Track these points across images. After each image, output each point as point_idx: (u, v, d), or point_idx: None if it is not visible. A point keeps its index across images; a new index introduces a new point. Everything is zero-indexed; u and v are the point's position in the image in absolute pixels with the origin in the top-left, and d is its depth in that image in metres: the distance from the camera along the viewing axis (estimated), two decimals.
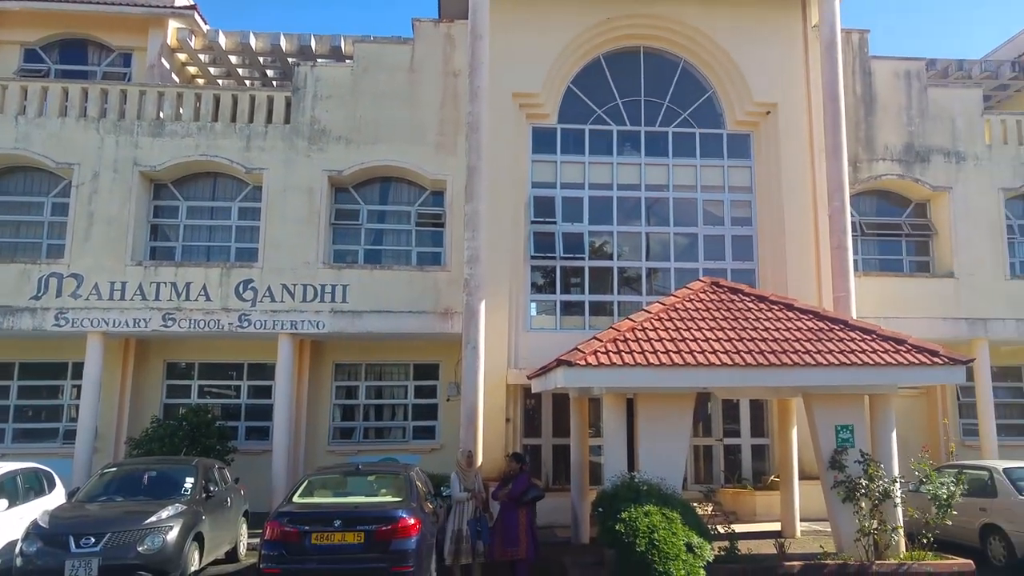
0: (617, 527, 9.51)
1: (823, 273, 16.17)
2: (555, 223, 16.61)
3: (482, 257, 14.66)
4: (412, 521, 8.49)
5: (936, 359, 10.71)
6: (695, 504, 11.02)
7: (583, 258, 16.69)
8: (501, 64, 16.03)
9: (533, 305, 16.58)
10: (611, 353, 10.44)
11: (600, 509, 10.17)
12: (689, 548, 9.48)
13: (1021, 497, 10.77)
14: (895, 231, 18.10)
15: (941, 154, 17.68)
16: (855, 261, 16.31)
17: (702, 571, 9.48)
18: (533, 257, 16.47)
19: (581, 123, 17.11)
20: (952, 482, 10.47)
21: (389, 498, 9.22)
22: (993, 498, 11.10)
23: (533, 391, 14.10)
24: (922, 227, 18.11)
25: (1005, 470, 11.29)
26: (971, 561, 10.40)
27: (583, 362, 10.20)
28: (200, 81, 20.87)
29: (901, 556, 10.50)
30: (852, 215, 16.55)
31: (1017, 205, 18.29)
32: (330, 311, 15.67)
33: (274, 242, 15.91)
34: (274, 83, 21.54)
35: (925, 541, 10.36)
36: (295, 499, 9.29)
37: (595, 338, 10.97)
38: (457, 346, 15.13)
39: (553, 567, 10.85)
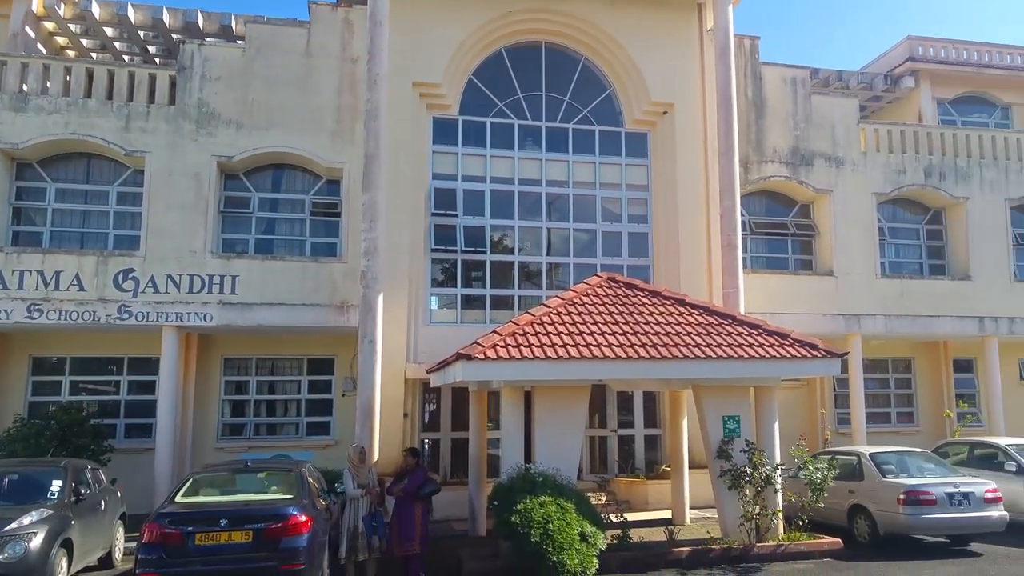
0: (513, 519, 9.67)
1: (714, 270, 16.84)
2: (456, 216, 16.63)
3: (380, 249, 14.45)
4: (303, 518, 8.35)
5: (815, 352, 11.40)
6: (590, 494, 11.34)
7: (484, 252, 16.78)
8: (401, 52, 15.89)
9: (434, 299, 16.61)
10: (510, 347, 10.57)
11: (496, 502, 10.31)
12: (583, 537, 9.76)
13: (884, 479, 11.63)
14: (781, 231, 19.09)
15: (823, 158, 18.74)
16: (744, 259, 17.09)
17: (595, 560, 9.78)
18: (434, 250, 16.45)
19: (483, 116, 17.17)
20: (825, 467, 11.20)
21: (280, 495, 9.02)
22: (860, 481, 11.93)
23: (432, 385, 14.14)
24: (806, 227, 19.16)
25: (871, 455, 12.16)
26: (839, 540, 11.19)
27: (482, 356, 10.29)
28: (71, 54, 19.65)
29: (779, 538, 11.17)
30: (742, 214, 17.33)
31: (887, 209, 19.66)
32: (219, 303, 15.07)
33: (158, 229, 15.12)
34: (157, 61, 20.55)
35: (801, 523, 11.04)
36: (178, 499, 8.92)
37: (494, 332, 11.09)
38: (353, 340, 14.93)
39: (449, 560, 10.90)
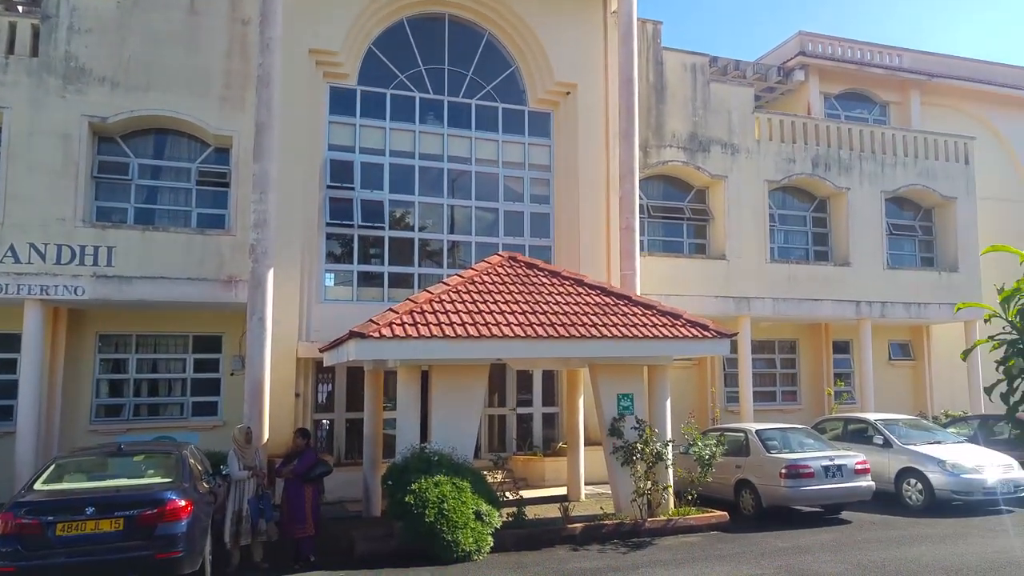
0: (406, 499, 9.60)
1: (612, 252, 17.06)
2: (353, 189, 16.17)
3: (271, 222, 13.83)
4: (182, 503, 7.92)
5: (706, 333, 11.76)
6: (487, 472, 11.35)
7: (383, 228, 16.40)
8: (297, 17, 15.23)
9: (329, 276, 16.14)
10: (407, 325, 10.39)
11: (390, 482, 10.20)
12: (478, 516, 9.79)
13: (769, 455, 12.18)
14: (678, 215, 19.55)
15: (719, 145, 19.29)
16: (641, 242, 17.43)
17: (490, 538, 9.82)
18: (329, 224, 15.94)
19: (383, 87, 16.73)
20: (714, 444, 11.61)
21: (157, 479, 8.50)
22: (747, 456, 12.46)
23: (326, 364, 13.76)
24: (701, 212, 19.70)
25: (757, 431, 12.72)
26: (726, 513, 11.66)
27: (376, 334, 10.07)
28: None
29: (670, 512, 11.52)
30: (641, 198, 17.63)
31: (778, 196, 20.47)
32: (92, 276, 14.01)
33: (18, 194, 13.77)
34: (20, 8, 18.91)
35: (690, 497, 11.41)
36: (37, 486, 8.22)
37: (391, 310, 10.88)
38: (242, 317, 14.30)
39: (342, 542, 10.69)
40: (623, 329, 11.36)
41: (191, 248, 14.61)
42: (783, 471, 11.60)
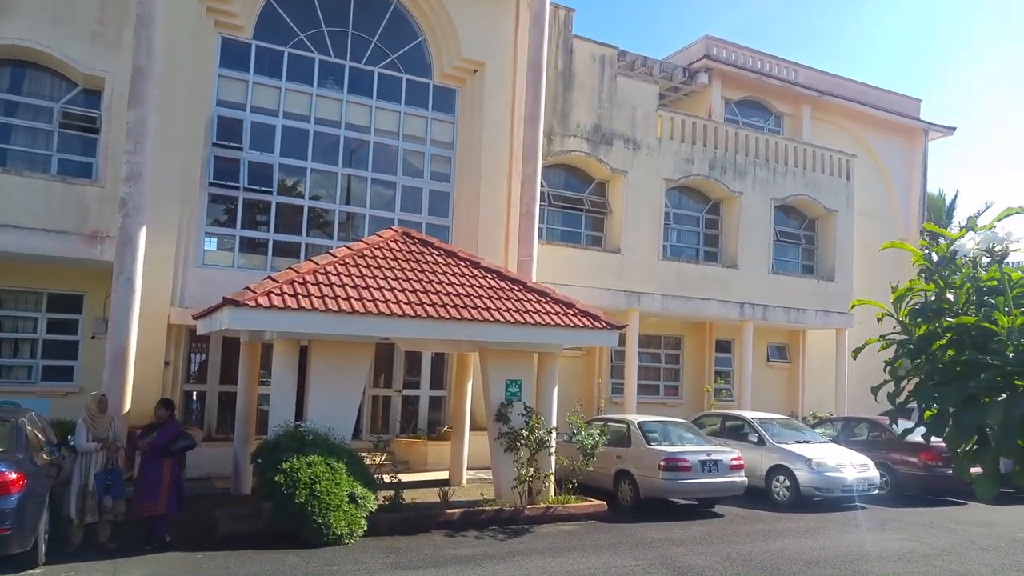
0: (277, 477, 9.14)
1: (511, 236, 16.92)
2: (241, 150, 15.30)
3: (146, 176, 12.69)
4: (13, 475, 7.09)
5: (597, 323, 11.73)
6: (366, 454, 10.94)
7: (271, 192, 15.61)
8: None
9: (211, 240, 15.22)
10: (287, 295, 9.81)
11: (260, 459, 9.69)
12: (352, 499, 9.41)
13: (649, 447, 12.33)
14: (577, 205, 19.58)
15: (622, 139, 19.41)
16: (540, 229, 17.31)
17: (363, 521, 9.44)
18: (212, 184, 15.05)
19: (280, 44, 15.84)
20: (597, 433, 11.61)
21: None
22: (628, 447, 12.57)
23: (198, 332, 13.07)
24: (600, 205, 19.80)
25: (639, 423, 12.86)
26: (604, 502, 11.69)
27: (252, 303, 9.44)
28: None
29: (550, 500, 11.45)
30: (542, 185, 17.49)
31: (674, 195, 20.85)
32: None
33: None
34: None
35: (571, 486, 11.36)
36: None
37: (270, 278, 10.26)
38: (108, 276, 13.16)
39: (204, 521, 10.07)
40: (516, 315, 11.16)
41: (49, 196, 13.34)
42: (662, 463, 11.74)
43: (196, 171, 14.68)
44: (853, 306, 4.13)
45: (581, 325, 11.56)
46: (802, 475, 12.93)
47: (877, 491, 13.35)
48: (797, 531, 10.93)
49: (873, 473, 13.35)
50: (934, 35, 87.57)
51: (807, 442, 13.97)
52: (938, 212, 33.48)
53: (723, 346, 22.44)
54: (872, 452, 14.04)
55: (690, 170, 20.36)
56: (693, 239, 21.40)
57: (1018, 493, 15.39)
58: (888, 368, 4.25)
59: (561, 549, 9.35)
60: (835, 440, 14.91)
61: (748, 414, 15.06)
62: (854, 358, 4.41)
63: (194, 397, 15.25)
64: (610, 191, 19.78)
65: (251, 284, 10.08)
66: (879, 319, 4.46)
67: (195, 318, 12.80)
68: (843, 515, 12.41)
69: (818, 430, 15.92)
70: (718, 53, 24.28)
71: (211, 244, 15.31)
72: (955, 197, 35.34)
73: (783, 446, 13.59)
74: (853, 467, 13.13)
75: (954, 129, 27.69)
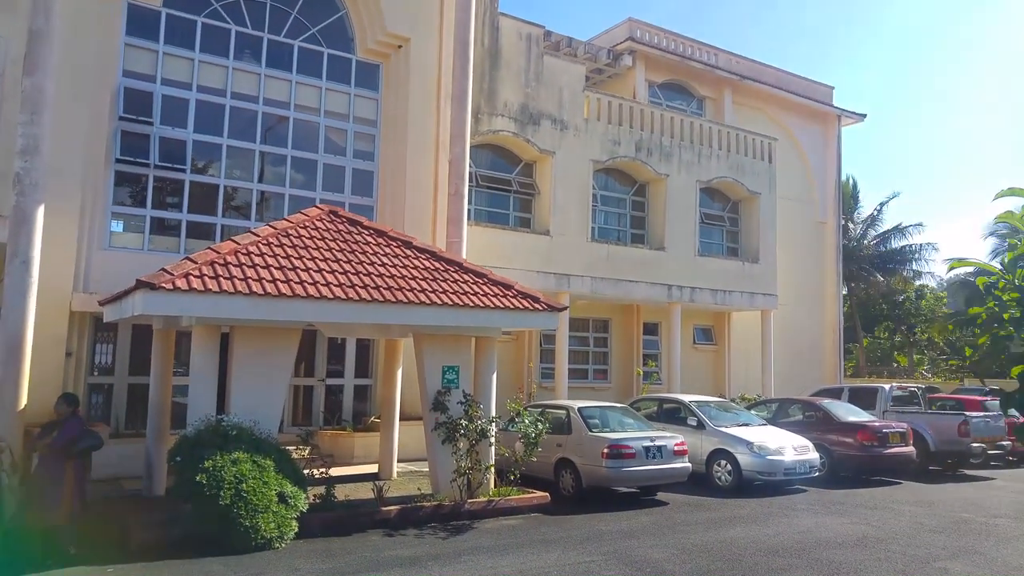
0: (198, 477, 8.32)
1: (439, 218, 16.31)
2: (151, 124, 14.13)
3: (44, 149, 11.55)
4: None
5: (537, 305, 11.22)
6: (291, 448, 10.12)
7: (184, 170, 14.50)
8: None
9: (119, 222, 14.15)
10: (206, 277, 8.89)
11: (179, 458, 8.78)
12: (282, 498, 8.70)
13: (591, 433, 11.91)
14: (505, 186, 19.11)
15: (550, 120, 18.94)
16: (468, 211, 16.67)
17: (294, 523, 8.72)
18: (119, 161, 13.87)
19: (194, 14, 14.64)
20: (540, 420, 11.10)
21: None
22: (568, 435, 12.11)
23: (105, 320, 12.03)
24: (528, 186, 19.36)
25: (579, 409, 12.41)
26: (547, 493, 11.22)
27: (169, 286, 8.50)
28: None
29: (491, 493, 10.91)
30: (469, 166, 16.83)
31: (601, 177, 20.57)
32: None
33: None
34: None
35: (512, 477, 10.83)
36: None
37: (187, 259, 9.28)
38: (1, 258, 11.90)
39: (114, 528, 9.09)
40: (454, 297, 10.53)
41: None
42: (605, 451, 11.34)
43: (101, 146, 13.55)
44: (951, 268, 3.71)
45: (521, 307, 11.02)
46: (744, 459, 12.78)
47: (817, 473, 13.30)
48: (746, 518, 10.72)
49: (813, 455, 13.31)
50: (851, 23, 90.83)
51: (746, 425, 13.84)
52: (846, 198, 34.63)
53: (650, 329, 22.37)
54: (807, 434, 14.00)
55: (617, 152, 20.09)
56: (621, 221, 21.22)
57: (944, 471, 15.86)
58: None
59: (508, 546, 8.82)
60: (771, 422, 14.86)
61: (686, 397, 14.87)
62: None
63: (93, 390, 14.07)
64: (538, 172, 19.36)
65: (167, 266, 9.08)
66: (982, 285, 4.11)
67: (101, 304, 11.80)
68: (787, 499, 12.31)
69: (752, 412, 15.88)
70: (641, 35, 24.08)
71: (118, 225, 14.20)
72: (855, 184, 36.77)
73: (723, 429, 13.42)
74: (794, 449, 13.04)
75: (864, 116, 28.43)
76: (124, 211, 14.17)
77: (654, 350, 22.30)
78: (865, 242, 36.75)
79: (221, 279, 8.94)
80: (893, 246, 36.18)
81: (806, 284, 25.72)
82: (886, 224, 36.83)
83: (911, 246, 36.07)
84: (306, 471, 9.74)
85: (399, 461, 13.58)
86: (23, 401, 11.09)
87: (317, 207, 12.27)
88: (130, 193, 14.25)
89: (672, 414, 14.38)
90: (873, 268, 35.96)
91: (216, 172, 14.92)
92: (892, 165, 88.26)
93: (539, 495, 11.11)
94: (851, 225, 36.50)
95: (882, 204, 37.11)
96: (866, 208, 37.94)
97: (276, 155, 15.59)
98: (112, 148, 13.72)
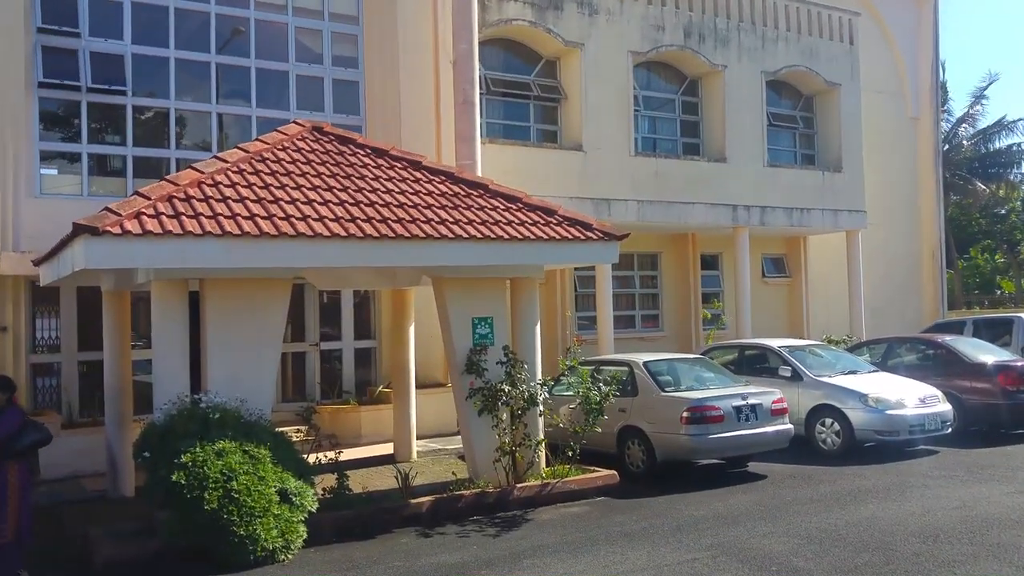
0: (175, 476, 7.74)
1: (444, 136, 15.67)
2: (78, 36, 13.44)
3: None
4: None
5: (590, 234, 10.45)
6: (288, 431, 9.54)
7: (124, 92, 13.80)
8: None
9: (52, 165, 13.84)
10: (164, 216, 8.12)
11: (147, 453, 8.20)
12: (284, 497, 8.14)
13: (664, 393, 11.19)
14: (523, 92, 18.20)
15: (575, 2, 17.92)
16: (479, 124, 15.93)
17: (302, 527, 8.18)
18: (42, 85, 13.21)
19: None
20: (605, 381, 10.41)
21: None
22: (633, 396, 11.43)
23: (42, 283, 11.62)
24: (551, 89, 18.47)
25: (645, 363, 11.69)
26: (615, 472, 10.59)
27: (117, 229, 7.73)
28: None
29: (543, 475, 10.29)
30: (478, 68, 15.99)
31: (641, 75, 19.52)
32: None
33: None
34: None
35: (571, 454, 10.18)
36: None
37: (138, 194, 8.50)
38: None
39: (73, 541, 8.61)
40: (482, 228, 9.72)
41: None
42: (685, 415, 10.60)
43: (18, 67, 12.90)
44: None
45: (569, 237, 10.21)
46: (856, 415, 12.06)
47: (950, 429, 12.54)
48: (874, 491, 10.00)
49: (944, 407, 12.51)
50: None
51: (854, 373, 13.13)
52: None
53: (709, 262, 21.59)
54: (930, 381, 13.19)
55: (661, 40, 19.05)
56: (670, 128, 20.28)
57: None
58: None
59: (579, 543, 8.14)
60: (879, 368, 14.12)
61: (773, 342, 14.16)
62: None
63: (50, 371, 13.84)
64: (563, 71, 18.46)
65: (112, 204, 8.28)
66: None
67: (36, 264, 11.36)
68: (915, 464, 11.60)
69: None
70: None
71: (50, 168, 13.79)
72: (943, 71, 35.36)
73: (826, 380, 12.72)
74: (920, 401, 12.28)
75: None
76: (55, 147, 13.70)
77: (715, 288, 21.53)
78: (960, 143, 35.50)
79: (183, 217, 8.16)
80: (995, 146, 34.92)
81: (896, 197, 24.67)
82: (985, 120, 35.58)
83: (1017, 146, 34.79)
84: (311, 458, 9.14)
85: (418, 439, 13.14)
86: None
87: (297, 123, 11.48)
88: (60, 125, 13.78)
89: (756, 364, 13.76)
90: (970, 175, 34.77)
91: (164, 93, 14.23)
92: (987, 45, 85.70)
93: (604, 474, 10.48)
94: (942, 124, 35.28)
95: (980, 91, 35.60)
96: (958, 102, 36.72)
97: (236, 68, 14.89)
98: (33, 69, 13.07)
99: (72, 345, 13.73)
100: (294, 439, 9.64)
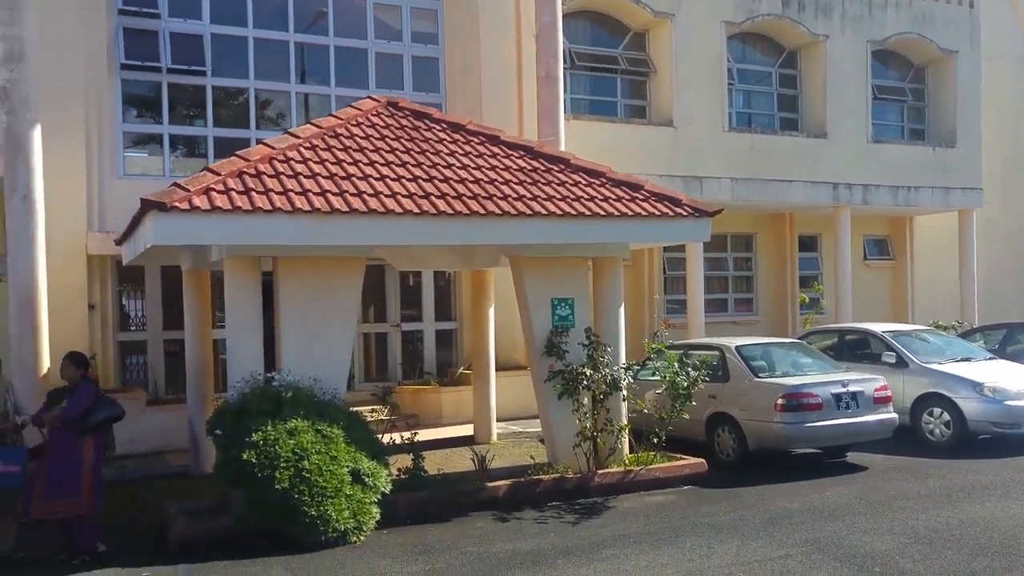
0: (246, 455, 7.74)
1: (526, 112, 15.54)
2: (158, 17, 13.72)
3: (30, 55, 11.42)
4: None
5: (680, 210, 10.04)
6: (364, 410, 9.50)
7: (204, 72, 14.05)
8: None
9: (134, 152, 14.15)
10: (234, 192, 8.10)
11: (219, 430, 8.28)
12: (357, 478, 8.07)
13: (757, 379, 10.76)
14: (610, 66, 17.89)
15: None
16: (563, 100, 15.64)
17: (375, 508, 8.12)
18: (124, 67, 13.54)
19: None
20: (694, 366, 10.06)
21: None
22: (724, 383, 11.04)
23: (124, 263, 11.87)
24: (640, 63, 18.13)
25: (738, 348, 11.27)
26: (703, 460, 10.24)
27: (186, 205, 7.74)
28: None
29: (626, 462, 10.00)
30: (562, 41, 15.74)
31: (735, 47, 18.93)
32: None
33: None
34: None
35: (657, 440, 9.85)
36: None
37: (208, 170, 8.50)
38: None
39: (152, 516, 8.74)
40: (563, 204, 9.42)
41: None
42: (780, 402, 10.15)
43: (101, 49, 13.22)
44: None
45: (657, 213, 9.82)
46: (969, 405, 11.40)
47: None
48: (992, 488, 9.38)
49: None
50: None
51: (967, 360, 12.44)
52: None
53: (807, 244, 20.87)
54: None
55: (757, 8, 18.41)
56: (766, 103, 19.63)
57: None
58: None
59: (662, 534, 7.84)
60: (996, 355, 13.36)
61: (876, 327, 13.52)
62: None
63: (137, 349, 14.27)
64: (652, 44, 18.08)
65: (181, 180, 8.32)
66: None
67: (118, 244, 11.58)
68: None
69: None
70: None
71: (135, 151, 14.18)
72: None
73: (935, 367, 12.08)
74: None
75: None
76: (136, 128, 14.05)
77: (813, 271, 20.76)
78: None
79: (253, 193, 8.11)
80: None
81: (1016, 172, 23.28)
82: None
83: None
84: (385, 438, 9.08)
85: (498, 421, 13.11)
86: (44, 364, 11.36)
87: (372, 98, 11.37)
88: (142, 107, 14.09)
89: (857, 350, 13.18)
90: None
91: (243, 73, 14.44)
92: None
93: (692, 462, 10.12)
94: None
95: None
96: None
97: (315, 47, 15.07)
98: (115, 51, 13.39)
99: (157, 324, 14.16)
100: (376, 421, 9.58)
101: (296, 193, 8.34)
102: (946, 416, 11.66)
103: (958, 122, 20.57)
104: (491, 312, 12.96)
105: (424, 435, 11.26)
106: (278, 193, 8.27)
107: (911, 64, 20.95)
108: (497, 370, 13.17)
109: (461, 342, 15.74)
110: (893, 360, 12.38)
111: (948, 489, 9.37)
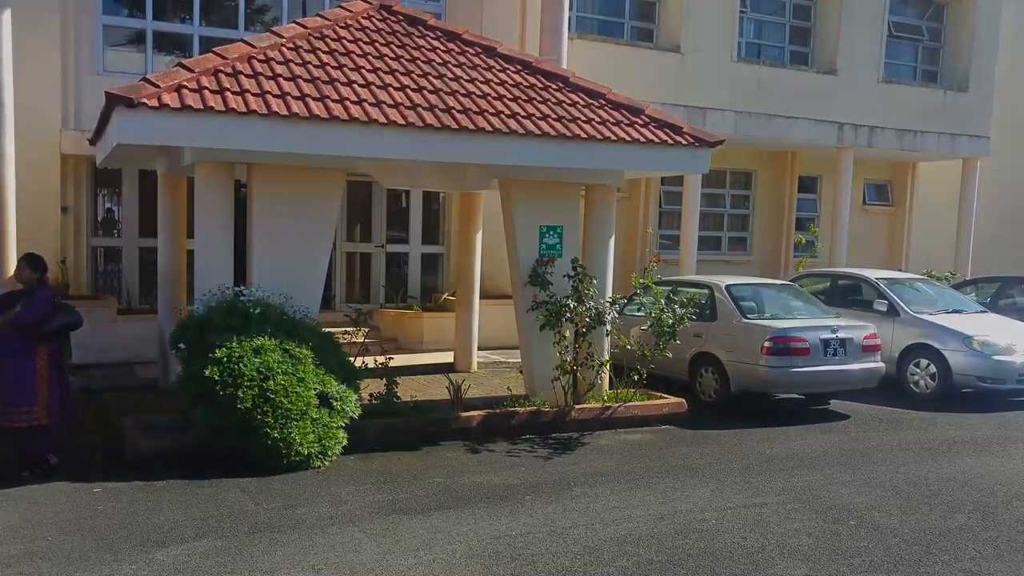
0: (208, 372, 7.40)
1: (528, 28, 15.03)
2: None
3: None
4: None
5: (680, 138, 9.56)
6: (341, 332, 9.14)
7: None
8: None
9: (118, 48, 13.62)
10: (207, 91, 7.59)
11: (183, 344, 7.89)
12: (324, 400, 7.76)
13: (745, 320, 10.45)
14: None
15: None
16: (568, 18, 15.02)
17: (342, 433, 7.78)
18: None
19: None
20: (681, 302, 9.73)
21: None
22: (712, 321, 10.73)
23: (98, 164, 11.43)
24: None
25: (728, 287, 10.93)
26: (683, 399, 10.00)
27: (154, 102, 7.24)
28: None
29: (605, 398, 9.77)
30: None
31: None
32: None
33: None
34: None
35: (637, 377, 9.58)
36: None
37: (181, 65, 7.97)
38: None
39: (106, 432, 8.45)
40: (557, 124, 8.96)
41: None
42: (767, 344, 9.89)
43: None
44: None
45: (656, 140, 9.36)
46: (956, 358, 11.23)
47: None
48: (973, 443, 9.21)
49: None
50: None
51: (958, 312, 12.22)
52: None
53: (807, 185, 20.39)
54: None
55: None
56: (777, 34, 18.94)
57: None
58: None
59: (636, 473, 7.61)
60: (989, 309, 13.12)
61: (870, 273, 13.24)
62: None
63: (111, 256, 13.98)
64: None
65: (151, 75, 7.80)
66: None
67: (91, 143, 11.04)
68: (1021, 416, 10.79)
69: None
70: None
71: (111, 42, 13.54)
72: None
73: (926, 317, 11.86)
74: None
75: None
76: (117, 22, 13.48)
77: (810, 213, 20.34)
78: None
79: (228, 93, 7.62)
80: None
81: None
82: None
83: None
84: (359, 361, 8.75)
85: (480, 349, 12.80)
86: (10, 269, 10.73)
87: (364, 1, 10.69)
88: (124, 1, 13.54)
89: (849, 296, 12.91)
90: None
91: None
92: None
93: (672, 401, 9.90)
94: None
95: None
96: None
97: None
98: None
99: (134, 230, 13.83)
100: (352, 342, 9.23)
101: (274, 96, 7.85)
102: (932, 368, 11.52)
103: (972, 66, 19.91)
104: (479, 238, 12.58)
105: (403, 360, 10.99)
106: (254, 95, 7.77)
107: (931, 2, 20.21)
108: (482, 298, 12.85)
109: (448, 267, 15.44)
110: (885, 308, 12.15)
111: (928, 442, 9.19)
